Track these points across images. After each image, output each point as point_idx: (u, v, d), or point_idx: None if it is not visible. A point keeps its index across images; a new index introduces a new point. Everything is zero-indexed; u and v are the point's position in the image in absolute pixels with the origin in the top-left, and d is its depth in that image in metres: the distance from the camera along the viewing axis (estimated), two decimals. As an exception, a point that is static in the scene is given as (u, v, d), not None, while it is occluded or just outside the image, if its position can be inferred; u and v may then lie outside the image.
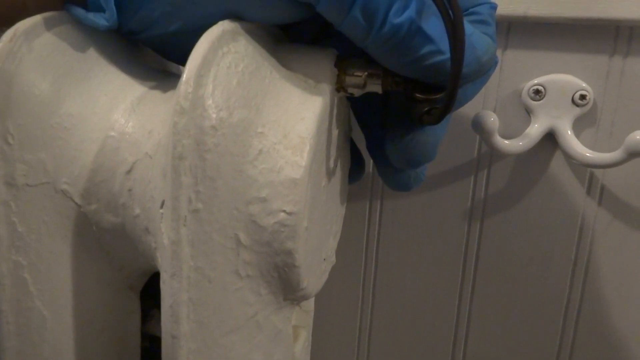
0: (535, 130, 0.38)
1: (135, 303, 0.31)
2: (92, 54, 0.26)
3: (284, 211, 0.23)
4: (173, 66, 0.34)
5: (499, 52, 0.39)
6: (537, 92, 0.38)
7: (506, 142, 0.38)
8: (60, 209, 0.25)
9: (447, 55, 0.23)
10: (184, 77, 0.21)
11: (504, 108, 0.40)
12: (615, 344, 0.42)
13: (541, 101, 0.38)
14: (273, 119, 0.24)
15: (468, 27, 0.24)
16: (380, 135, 0.29)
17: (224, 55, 0.22)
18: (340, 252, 0.33)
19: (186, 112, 0.21)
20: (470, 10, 0.26)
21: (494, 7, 0.27)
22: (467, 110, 0.39)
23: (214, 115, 0.21)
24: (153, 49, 0.29)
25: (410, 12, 0.22)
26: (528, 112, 0.39)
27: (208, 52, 0.21)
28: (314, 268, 0.27)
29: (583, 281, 0.42)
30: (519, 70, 0.39)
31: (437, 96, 0.25)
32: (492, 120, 0.36)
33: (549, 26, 0.38)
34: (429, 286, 0.46)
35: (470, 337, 0.46)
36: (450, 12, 0.22)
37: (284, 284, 0.25)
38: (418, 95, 0.25)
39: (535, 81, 0.38)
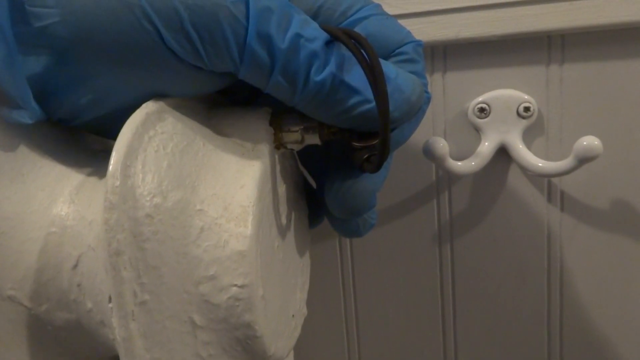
0: (486, 147, 0.38)
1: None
2: (23, 150, 0.25)
3: (236, 285, 0.23)
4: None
5: (439, 76, 0.39)
6: (482, 110, 0.38)
7: (459, 163, 0.38)
8: (10, 316, 0.24)
9: (375, 102, 0.23)
10: (110, 170, 0.20)
11: (453, 130, 0.40)
12: (601, 343, 0.42)
13: (487, 118, 0.38)
14: (211, 193, 0.23)
15: (392, 70, 0.24)
16: (323, 184, 0.29)
17: (150, 139, 0.22)
18: (317, 293, 0.33)
19: (116, 207, 0.20)
20: (396, 51, 0.27)
21: (419, 44, 0.27)
22: (419, 136, 0.40)
23: (148, 204, 0.21)
24: (89, 132, 0.28)
25: (331, 68, 0.22)
26: (477, 130, 0.39)
27: (132, 139, 0.21)
28: (281, 330, 0.27)
29: (560, 287, 0.42)
30: (462, 91, 0.39)
31: (374, 142, 0.25)
32: (442, 145, 0.36)
33: (483, 45, 0.38)
34: (411, 313, 0.46)
35: (460, 358, 0.46)
36: (368, 60, 0.22)
37: (250, 355, 0.24)
38: (355, 143, 0.25)
39: (479, 99, 0.39)
